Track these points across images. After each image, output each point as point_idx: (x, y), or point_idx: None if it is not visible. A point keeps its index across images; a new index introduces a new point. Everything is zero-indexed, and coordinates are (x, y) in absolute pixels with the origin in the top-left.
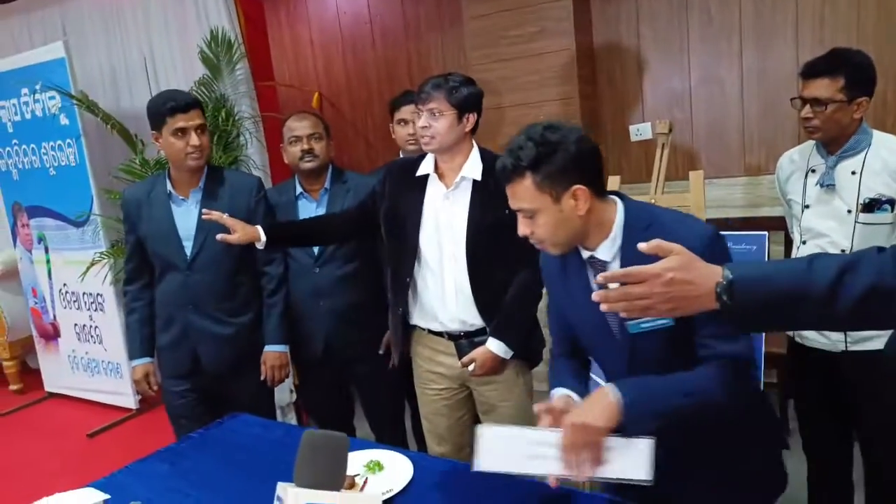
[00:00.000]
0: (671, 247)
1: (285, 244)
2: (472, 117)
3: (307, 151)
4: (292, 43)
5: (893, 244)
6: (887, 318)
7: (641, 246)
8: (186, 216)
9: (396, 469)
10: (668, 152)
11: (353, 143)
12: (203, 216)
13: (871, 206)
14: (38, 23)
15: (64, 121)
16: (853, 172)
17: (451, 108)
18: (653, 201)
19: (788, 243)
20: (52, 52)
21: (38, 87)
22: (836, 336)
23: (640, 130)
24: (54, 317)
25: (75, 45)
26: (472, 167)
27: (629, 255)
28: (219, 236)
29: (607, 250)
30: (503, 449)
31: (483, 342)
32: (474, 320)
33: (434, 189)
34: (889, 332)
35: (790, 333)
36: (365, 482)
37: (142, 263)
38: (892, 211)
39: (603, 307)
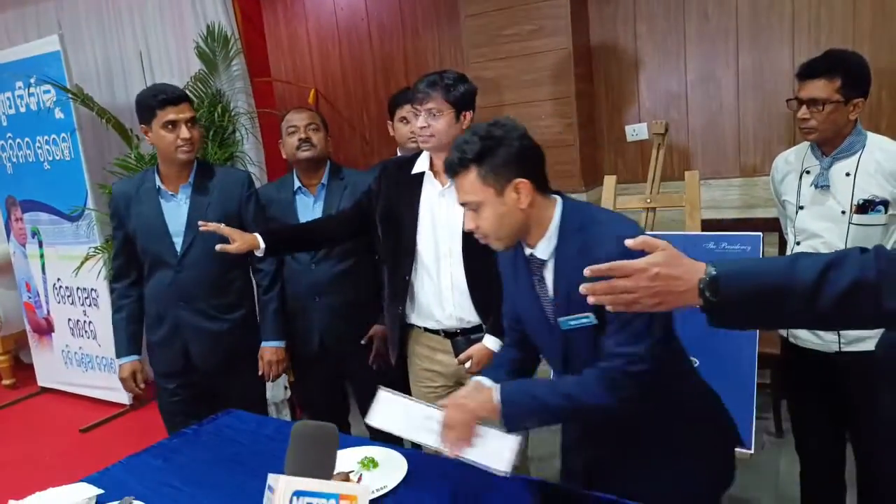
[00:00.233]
0: (657, 243)
1: (284, 251)
2: (468, 115)
3: (304, 140)
4: (289, 39)
5: (877, 244)
6: (870, 314)
7: (628, 242)
8: (176, 212)
9: (391, 466)
10: (663, 152)
11: (350, 139)
12: (200, 227)
13: (864, 207)
14: (33, 16)
15: (59, 115)
16: (847, 174)
17: (449, 107)
18: (648, 201)
19: (783, 244)
20: (48, 45)
21: (32, 80)
22: (830, 336)
23: (636, 130)
24: (48, 312)
25: (70, 39)
26: None
27: (563, 254)
28: (218, 247)
29: (544, 249)
30: (395, 414)
31: (479, 339)
32: (471, 317)
33: (430, 187)
34: (880, 333)
35: (783, 334)
36: (359, 479)
37: (130, 260)
38: (886, 212)
39: (590, 300)
